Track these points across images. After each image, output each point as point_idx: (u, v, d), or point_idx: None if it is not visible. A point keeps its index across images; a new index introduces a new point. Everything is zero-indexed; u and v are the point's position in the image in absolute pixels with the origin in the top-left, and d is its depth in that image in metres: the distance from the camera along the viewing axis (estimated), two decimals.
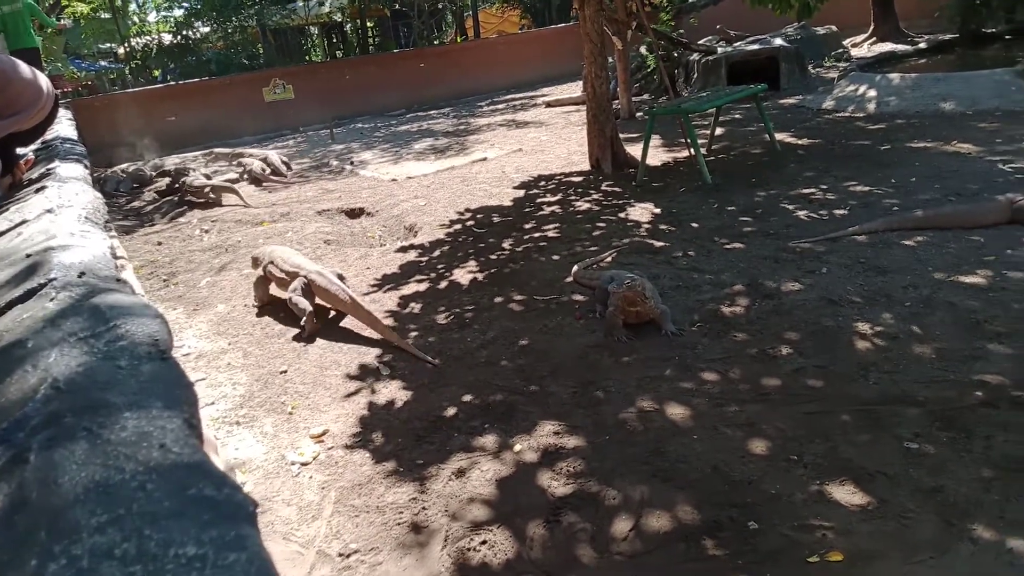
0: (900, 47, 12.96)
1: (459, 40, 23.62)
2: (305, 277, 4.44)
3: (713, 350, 3.50)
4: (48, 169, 3.66)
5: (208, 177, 9.19)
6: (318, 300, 4.47)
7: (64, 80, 20.12)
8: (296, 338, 4.34)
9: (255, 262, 5.05)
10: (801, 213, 5.34)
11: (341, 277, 4.60)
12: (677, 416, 2.99)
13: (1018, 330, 3.24)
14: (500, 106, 14.98)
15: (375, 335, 4.17)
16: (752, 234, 5.02)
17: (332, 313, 4.63)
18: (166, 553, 0.79)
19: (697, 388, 3.18)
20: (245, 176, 9.77)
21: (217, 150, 11.70)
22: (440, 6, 24.58)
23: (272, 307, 4.87)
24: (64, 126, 6.56)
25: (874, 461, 2.54)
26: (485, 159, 9.25)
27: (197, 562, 0.77)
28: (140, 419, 1.06)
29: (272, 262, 4.76)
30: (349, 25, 23.98)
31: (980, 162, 5.96)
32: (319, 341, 4.25)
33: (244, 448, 3.23)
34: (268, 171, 9.76)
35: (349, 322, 4.46)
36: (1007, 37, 11.91)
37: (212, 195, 8.48)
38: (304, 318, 4.32)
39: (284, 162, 10.08)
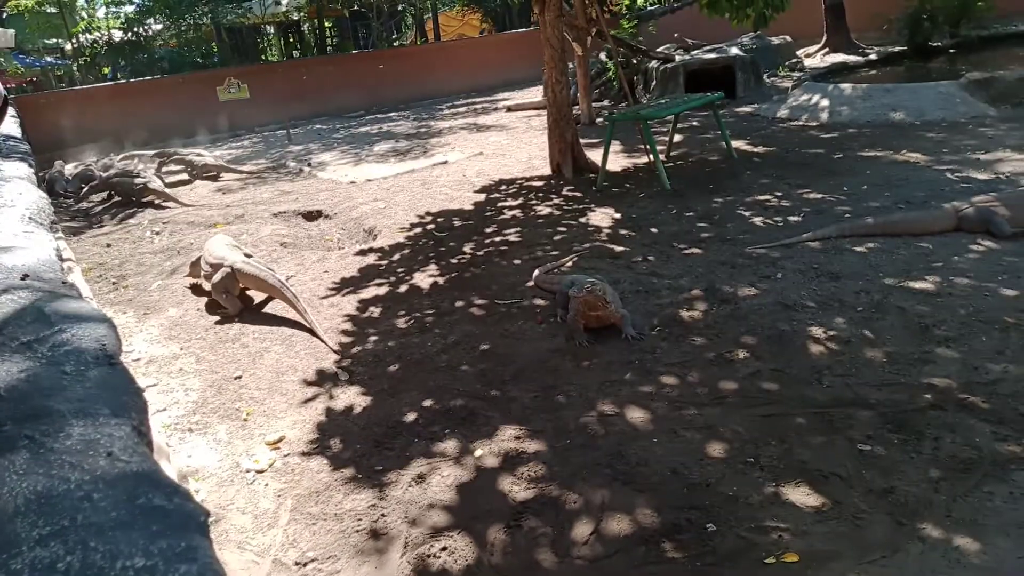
0: (852, 58, 13.33)
1: (419, 42, 23.55)
2: (230, 267, 4.59)
3: (672, 354, 3.53)
4: None
5: (161, 179, 9.01)
6: (242, 285, 4.70)
7: (7, 76, 19.49)
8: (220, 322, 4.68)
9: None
10: (757, 219, 5.44)
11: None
12: (637, 420, 3.00)
13: (964, 334, 3.35)
14: (461, 109, 14.96)
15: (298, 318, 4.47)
16: (710, 239, 5.10)
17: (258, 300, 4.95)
18: (113, 566, 0.75)
19: (656, 392, 3.21)
20: (194, 173, 9.71)
21: (138, 152, 11.43)
22: (400, 8, 24.48)
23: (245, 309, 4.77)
24: (7, 123, 6.33)
25: (828, 463, 2.59)
26: (446, 162, 9.23)
27: (146, 574, 0.74)
28: (86, 427, 1.02)
29: (201, 257, 4.97)
30: (307, 25, 23.72)
31: (928, 171, 6.15)
32: (274, 347, 4.18)
33: (197, 456, 3.14)
34: (221, 166, 9.86)
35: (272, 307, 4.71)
36: (951, 51, 12.36)
37: (143, 195, 8.46)
38: (228, 305, 4.66)
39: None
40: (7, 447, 0.96)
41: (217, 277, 4.58)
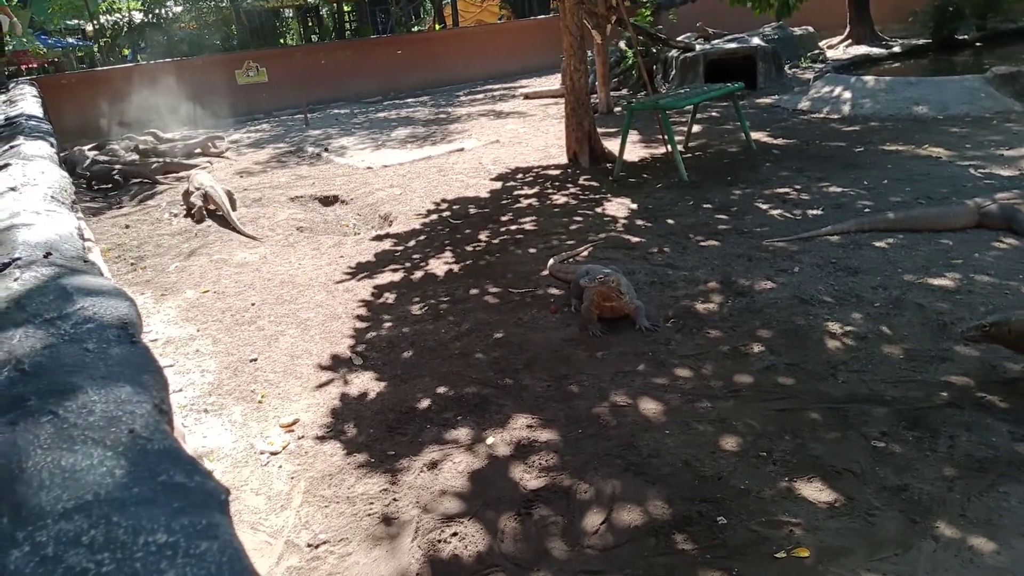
0: (875, 50, 13.15)
1: (437, 28, 23.48)
2: (204, 190, 6.81)
3: (686, 346, 3.52)
4: (11, 146, 3.56)
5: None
6: (210, 205, 6.80)
7: (29, 56, 19.63)
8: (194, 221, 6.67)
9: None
10: (775, 212, 5.39)
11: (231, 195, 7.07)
12: (650, 411, 3.00)
13: None
14: (478, 96, 14.92)
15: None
16: (727, 232, 5.06)
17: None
18: (135, 541, 0.76)
19: (670, 384, 3.20)
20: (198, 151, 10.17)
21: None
22: None
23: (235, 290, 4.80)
24: (30, 103, 6.38)
25: (842, 459, 2.57)
26: (462, 149, 9.21)
27: (168, 550, 0.75)
28: (109, 403, 1.03)
29: (192, 183, 7.15)
30: (325, 9, 23.70)
31: (950, 166, 6.07)
32: (289, 331, 4.20)
33: (212, 436, 3.18)
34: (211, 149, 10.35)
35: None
36: (978, 44, 12.18)
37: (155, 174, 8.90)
38: (194, 210, 6.82)
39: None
40: (32, 421, 0.98)
41: (195, 196, 6.83)
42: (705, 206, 5.74)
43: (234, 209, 6.79)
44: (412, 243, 5.63)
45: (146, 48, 19.23)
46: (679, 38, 13.10)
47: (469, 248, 5.34)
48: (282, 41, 23.20)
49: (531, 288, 4.45)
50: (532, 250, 5.15)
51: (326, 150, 10.05)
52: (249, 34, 20.42)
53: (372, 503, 2.62)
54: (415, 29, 24.46)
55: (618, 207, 5.98)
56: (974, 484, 2.38)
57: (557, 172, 7.45)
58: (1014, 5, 12.64)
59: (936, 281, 3.90)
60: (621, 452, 2.74)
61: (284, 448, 3.04)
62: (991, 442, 2.57)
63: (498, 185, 7.18)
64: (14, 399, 1.05)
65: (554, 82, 13.88)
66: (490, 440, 2.92)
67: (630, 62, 12.57)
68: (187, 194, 7.12)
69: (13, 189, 2.49)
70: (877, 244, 4.52)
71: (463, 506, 2.55)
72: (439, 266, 5.02)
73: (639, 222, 5.52)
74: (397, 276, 4.91)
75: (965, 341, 3.10)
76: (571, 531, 2.37)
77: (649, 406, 3.04)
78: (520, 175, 7.51)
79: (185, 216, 6.99)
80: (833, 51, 14.19)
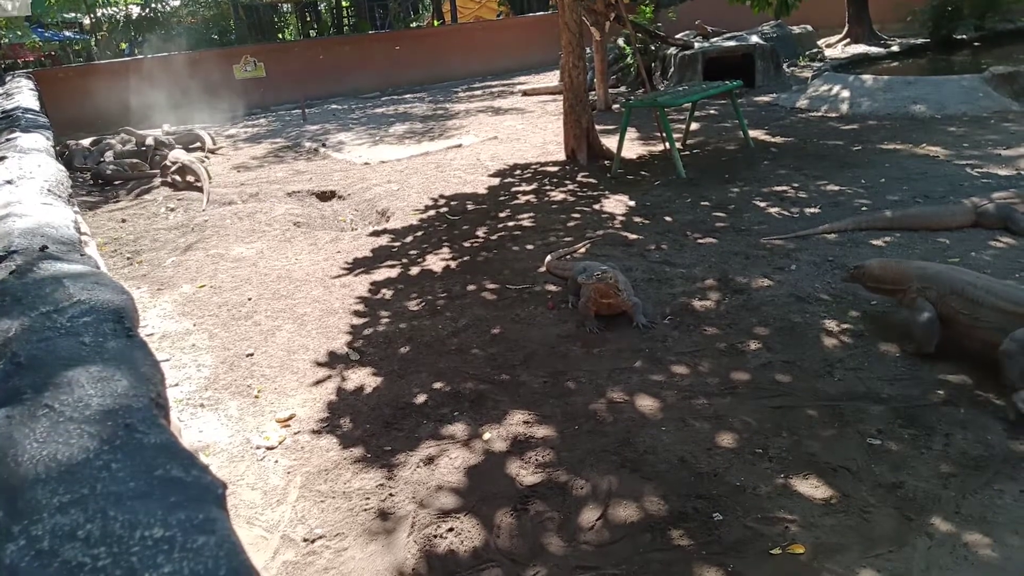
0: (873, 49, 13.15)
1: (436, 24, 23.44)
2: (182, 163, 8.07)
3: (683, 343, 3.52)
4: (8, 139, 3.55)
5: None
6: (188, 177, 8.02)
7: (26, 49, 19.55)
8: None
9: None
10: (773, 210, 5.40)
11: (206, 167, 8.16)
12: (646, 408, 3.00)
13: None
14: (476, 92, 14.89)
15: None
16: (724, 229, 5.07)
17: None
18: (132, 535, 0.76)
19: (667, 380, 3.20)
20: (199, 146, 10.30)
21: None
22: None
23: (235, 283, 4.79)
24: (26, 96, 6.36)
25: (837, 456, 2.58)
26: (460, 146, 9.20)
27: (164, 544, 0.75)
28: (105, 397, 1.03)
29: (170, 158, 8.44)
30: (324, 4, 23.65)
31: (947, 166, 6.08)
32: (286, 326, 4.20)
33: (208, 431, 3.17)
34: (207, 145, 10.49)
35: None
36: (976, 44, 12.19)
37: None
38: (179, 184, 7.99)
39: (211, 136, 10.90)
40: (28, 415, 0.98)
41: (175, 167, 8.02)
42: (703, 204, 5.74)
43: (210, 179, 7.96)
44: (409, 239, 5.62)
45: (143, 42, 19.16)
46: (678, 36, 13.09)
47: (466, 244, 5.34)
48: (280, 36, 23.15)
49: (528, 284, 4.44)
50: (530, 247, 5.15)
51: (323, 145, 10.03)
52: (247, 29, 20.37)
53: (368, 498, 2.62)
54: (413, 25, 24.39)
55: (616, 204, 5.98)
56: (969, 482, 2.39)
57: (555, 169, 7.44)
58: (1012, 5, 12.65)
59: None
60: (617, 448, 2.74)
61: (280, 443, 3.03)
62: (986, 440, 2.58)
63: (496, 181, 7.17)
64: (10, 392, 1.04)
65: (552, 79, 13.87)
66: (487, 436, 2.92)
67: (628, 59, 12.56)
68: (165, 169, 8.34)
69: (9, 182, 2.48)
70: (874, 242, 4.52)
71: (459, 501, 2.55)
72: (436, 262, 5.02)
73: (637, 219, 5.52)
74: (394, 272, 4.91)
75: (841, 281, 3.79)
76: (567, 527, 2.37)
77: (646, 403, 3.04)
78: (518, 172, 7.50)
79: (166, 186, 8.18)
80: (831, 50, 14.20)
